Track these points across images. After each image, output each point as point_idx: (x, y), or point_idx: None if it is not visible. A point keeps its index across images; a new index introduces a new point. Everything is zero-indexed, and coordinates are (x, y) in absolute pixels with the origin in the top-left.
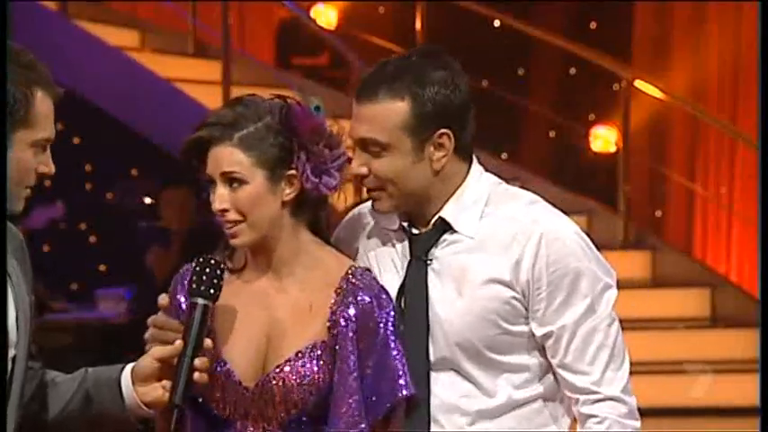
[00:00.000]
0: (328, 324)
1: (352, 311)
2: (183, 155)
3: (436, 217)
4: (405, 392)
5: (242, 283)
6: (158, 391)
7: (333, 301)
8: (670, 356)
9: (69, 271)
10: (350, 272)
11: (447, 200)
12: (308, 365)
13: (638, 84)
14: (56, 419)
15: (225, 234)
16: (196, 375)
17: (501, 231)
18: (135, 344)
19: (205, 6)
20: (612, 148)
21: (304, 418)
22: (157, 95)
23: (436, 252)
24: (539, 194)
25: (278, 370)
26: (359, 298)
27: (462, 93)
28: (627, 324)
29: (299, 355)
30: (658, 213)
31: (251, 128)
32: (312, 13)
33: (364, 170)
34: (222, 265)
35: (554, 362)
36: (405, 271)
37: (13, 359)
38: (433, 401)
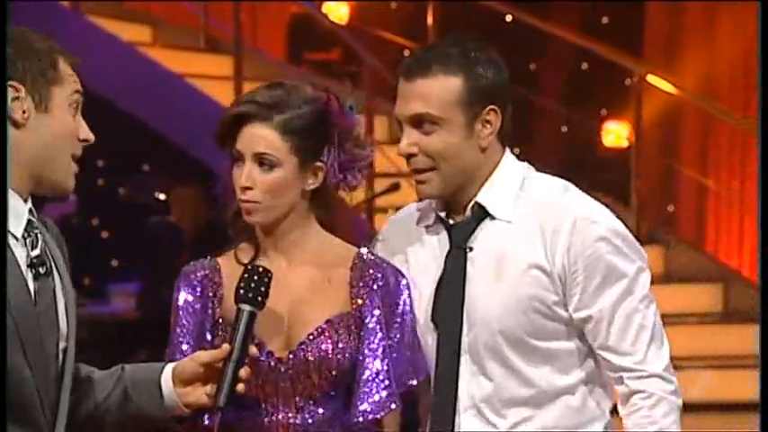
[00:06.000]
0: (351, 296)
1: (373, 284)
2: (220, 129)
3: (472, 203)
4: (414, 382)
5: None
6: (200, 392)
7: (350, 275)
8: (682, 352)
9: (82, 266)
10: (360, 252)
11: (483, 184)
12: (341, 334)
13: (651, 79)
14: (92, 414)
15: (233, 229)
16: (240, 386)
17: (536, 216)
18: (145, 339)
19: (217, 2)
20: (624, 144)
21: (337, 393)
22: (169, 91)
23: (475, 240)
24: None
25: (311, 338)
26: (377, 272)
27: (505, 72)
28: None
29: (330, 323)
30: (670, 208)
31: (290, 113)
32: (324, 9)
33: (414, 149)
34: (270, 274)
35: (595, 344)
36: (443, 262)
37: (64, 351)
38: (476, 392)
